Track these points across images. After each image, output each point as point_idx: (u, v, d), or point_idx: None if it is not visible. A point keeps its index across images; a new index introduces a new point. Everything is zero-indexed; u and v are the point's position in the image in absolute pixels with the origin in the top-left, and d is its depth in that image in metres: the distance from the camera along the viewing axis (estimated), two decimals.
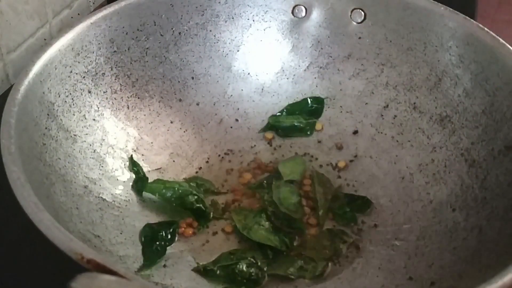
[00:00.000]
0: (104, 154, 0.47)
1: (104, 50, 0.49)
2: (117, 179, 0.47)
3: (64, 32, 0.46)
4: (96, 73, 0.49)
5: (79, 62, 0.47)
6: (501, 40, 0.46)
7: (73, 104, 0.46)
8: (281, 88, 0.56)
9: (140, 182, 0.48)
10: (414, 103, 0.52)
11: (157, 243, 0.44)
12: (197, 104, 0.55)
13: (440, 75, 0.50)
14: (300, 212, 0.47)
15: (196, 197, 0.47)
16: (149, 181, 0.48)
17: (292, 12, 0.55)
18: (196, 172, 0.51)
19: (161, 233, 0.45)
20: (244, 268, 0.43)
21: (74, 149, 0.45)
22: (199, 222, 0.47)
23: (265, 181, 0.50)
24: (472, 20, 0.49)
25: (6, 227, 0.44)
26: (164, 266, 0.43)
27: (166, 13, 0.52)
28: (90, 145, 0.47)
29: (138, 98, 0.52)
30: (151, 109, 0.52)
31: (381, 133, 0.53)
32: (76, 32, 0.47)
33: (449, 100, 0.49)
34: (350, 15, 0.54)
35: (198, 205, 0.47)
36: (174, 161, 0.52)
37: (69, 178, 0.42)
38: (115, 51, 0.50)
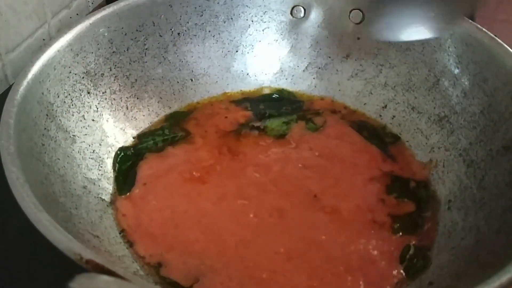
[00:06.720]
0: (103, 154, 0.48)
1: (103, 50, 0.49)
2: None
3: (63, 33, 0.46)
4: (95, 74, 0.49)
5: (78, 63, 0.47)
6: (499, 40, 0.46)
7: (72, 105, 0.46)
8: None
9: None
10: (413, 103, 0.52)
11: None
12: None
13: (439, 76, 0.50)
14: None
15: None
16: None
17: (291, 13, 0.56)
18: None
19: None
20: None
21: (73, 150, 0.45)
22: None
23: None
24: (470, 20, 0.49)
25: (5, 227, 0.44)
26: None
27: (165, 14, 0.52)
28: (89, 145, 0.47)
29: (137, 98, 0.52)
30: (150, 109, 0.52)
31: None
32: (75, 33, 0.47)
33: (448, 100, 0.49)
34: (349, 16, 0.54)
35: None
36: None
37: (68, 178, 0.42)
38: (114, 52, 0.50)
